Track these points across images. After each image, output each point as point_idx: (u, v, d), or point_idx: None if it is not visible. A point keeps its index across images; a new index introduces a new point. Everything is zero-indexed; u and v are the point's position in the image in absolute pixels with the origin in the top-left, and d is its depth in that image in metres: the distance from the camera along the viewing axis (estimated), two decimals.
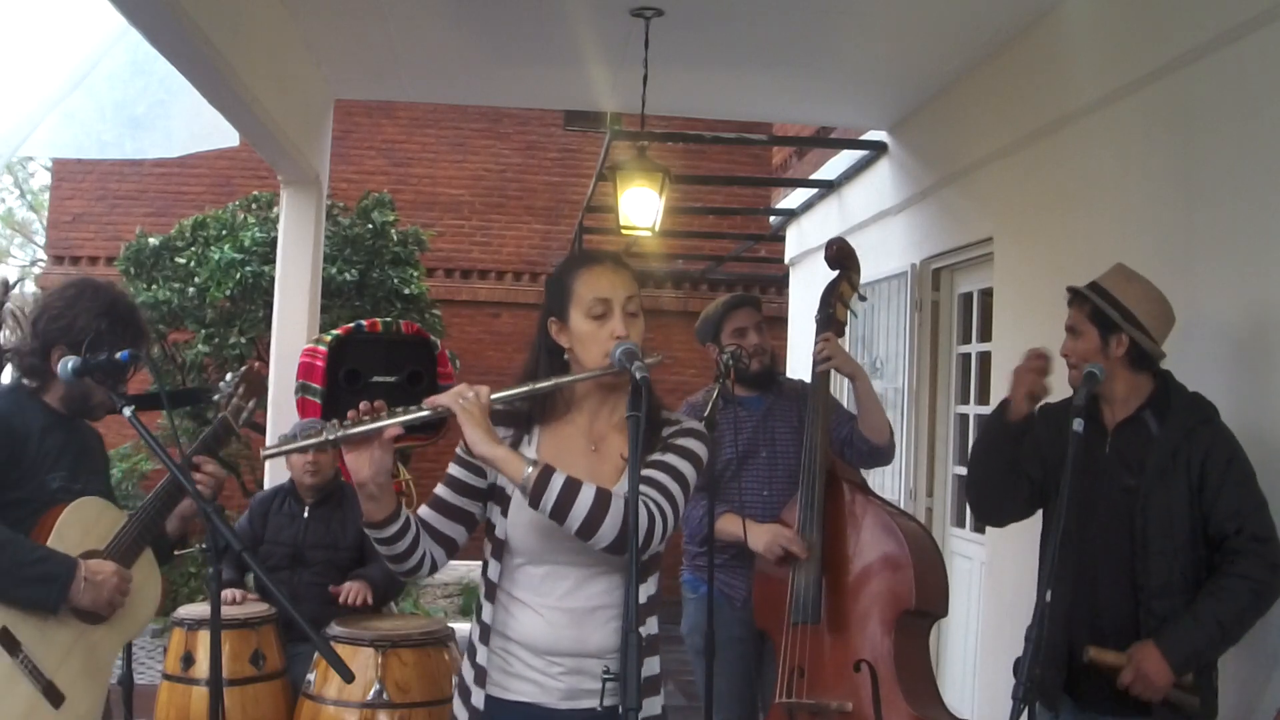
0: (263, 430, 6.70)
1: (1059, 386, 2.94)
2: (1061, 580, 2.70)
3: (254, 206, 8.98)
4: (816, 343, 3.52)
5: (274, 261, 6.13)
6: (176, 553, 2.76)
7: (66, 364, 2.42)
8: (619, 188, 5.32)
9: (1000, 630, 4.34)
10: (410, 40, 5.17)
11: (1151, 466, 2.69)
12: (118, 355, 2.41)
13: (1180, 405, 2.75)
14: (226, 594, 4.11)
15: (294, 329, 5.68)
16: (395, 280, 8.84)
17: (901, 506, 4.94)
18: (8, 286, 2.92)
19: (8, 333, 2.67)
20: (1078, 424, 2.55)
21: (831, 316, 3.55)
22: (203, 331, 8.48)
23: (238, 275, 8.17)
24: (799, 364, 7.35)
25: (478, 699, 2.19)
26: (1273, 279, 2.96)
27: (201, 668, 3.86)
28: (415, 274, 9.12)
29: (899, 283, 5.89)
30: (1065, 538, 2.57)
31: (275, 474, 5.45)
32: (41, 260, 13.70)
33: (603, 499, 2.02)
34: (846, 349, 3.62)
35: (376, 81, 6.15)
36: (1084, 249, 3.96)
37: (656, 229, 5.43)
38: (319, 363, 4.89)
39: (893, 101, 5.79)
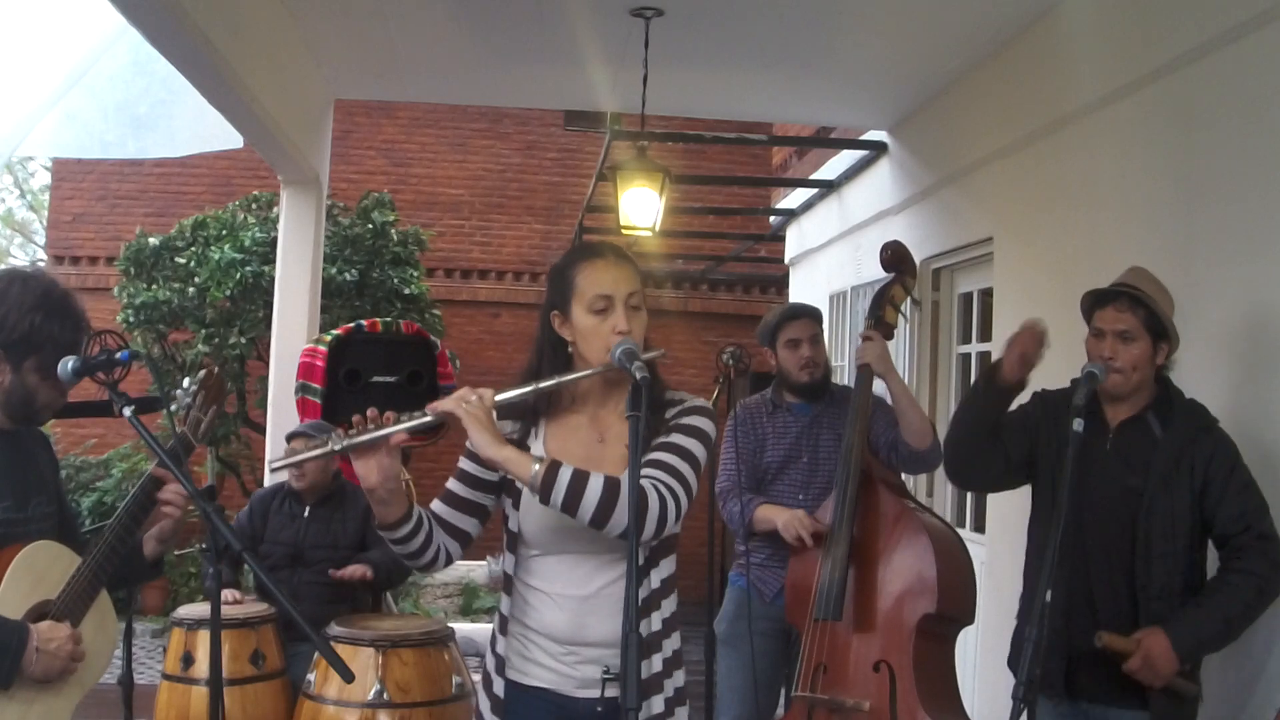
0: (263, 430, 6.70)
1: (1061, 379, 2.94)
2: (1060, 569, 2.71)
3: (254, 206, 8.99)
4: (861, 339, 3.53)
5: (274, 261, 6.14)
6: (177, 553, 2.67)
7: (66, 364, 2.36)
8: (619, 188, 5.32)
9: (1000, 630, 4.32)
10: (410, 40, 5.17)
11: (1155, 469, 2.70)
12: (118, 354, 2.36)
13: (1182, 410, 2.77)
14: (224, 594, 4.11)
15: (294, 329, 5.68)
16: (395, 280, 8.84)
17: None
18: None
19: None
20: (1078, 424, 2.55)
21: (880, 319, 3.54)
22: (203, 331, 8.49)
23: (238, 275, 8.17)
24: None
25: (498, 687, 2.22)
26: (1273, 279, 2.96)
27: (201, 667, 3.87)
28: (415, 274, 9.13)
29: None
30: (1064, 536, 2.57)
31: (276, 475, 5.45)
32: (41, 260, 13.69)
33: (612, 488, 2.03)
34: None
35: (376, 81, 6.15)
36: (1084, 249, 3.96)
37: (656, 229, 5.43)
38: (319, 363, 4.90)
39: (893, 101, 5.79)
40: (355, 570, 4.08)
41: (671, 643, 2.20)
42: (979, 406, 2.95)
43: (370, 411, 2.06)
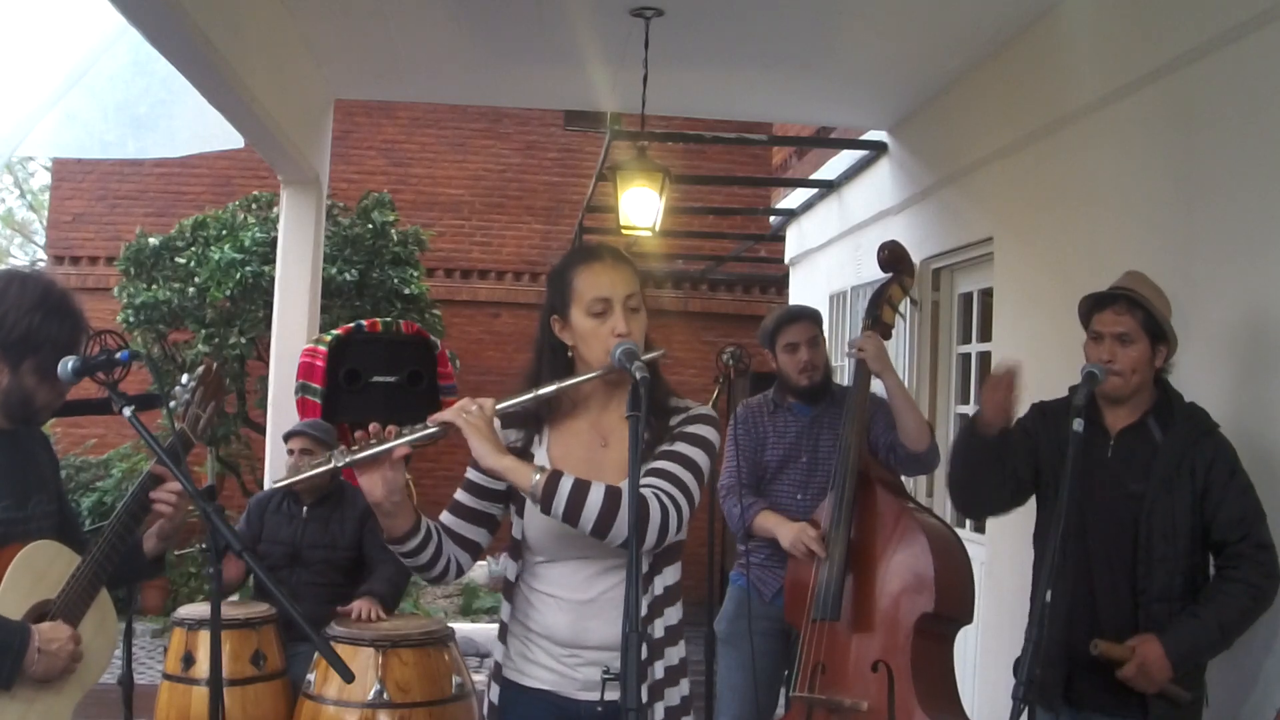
0: (262, 430, 6.70)
1: (1059, 388, 2.94)
2: (1061, 579, 2.71)
3: (254, 206, 8.99)
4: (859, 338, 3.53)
5: (274, 261, 6.14)
6: (177, 553, 2.67)
7: (66, 364, 2.34)
8: (619, 188, 5.32)
9: (1000, 630, 4.34)
10: (410, 40, 5.17)
11: (1156, 474, 2.70)
12: (118, 354, 2.35)
13: (1182, 414, 2.77)
14: None
15: (294, 329, 5.68)
16: (395, 280, 8.85)
17: None
18: None
19: None
20: (1078, 424, 2.55)
21: (878, 319, 3.55)
22: (203, 331, 8.49)
23: (238, 275, 8.17)
24: None
25: (493, 693, 2.23)
26: (1273, 279, 2.96)
27: (202, 668, 3.87)
28: (415, 274, 9.14)
29: None
30: (1064, 538, 2.57)
31: (276, 472, 5.45)
32: (41, 260, 13.70)
33: (613, 497, 2.02)
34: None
35: (376, 81, 6.15)
36: (1084, 249, 3.96)
37: (656, 229, 5.43)
38: (319, 363, 4.90)
39: (893, 101, 5.79)
40: (365, 608, 4.02)
41: (676, 651, 2.19)
42: (969, 454, 2.93)
43: (373, 427, 2.07)
